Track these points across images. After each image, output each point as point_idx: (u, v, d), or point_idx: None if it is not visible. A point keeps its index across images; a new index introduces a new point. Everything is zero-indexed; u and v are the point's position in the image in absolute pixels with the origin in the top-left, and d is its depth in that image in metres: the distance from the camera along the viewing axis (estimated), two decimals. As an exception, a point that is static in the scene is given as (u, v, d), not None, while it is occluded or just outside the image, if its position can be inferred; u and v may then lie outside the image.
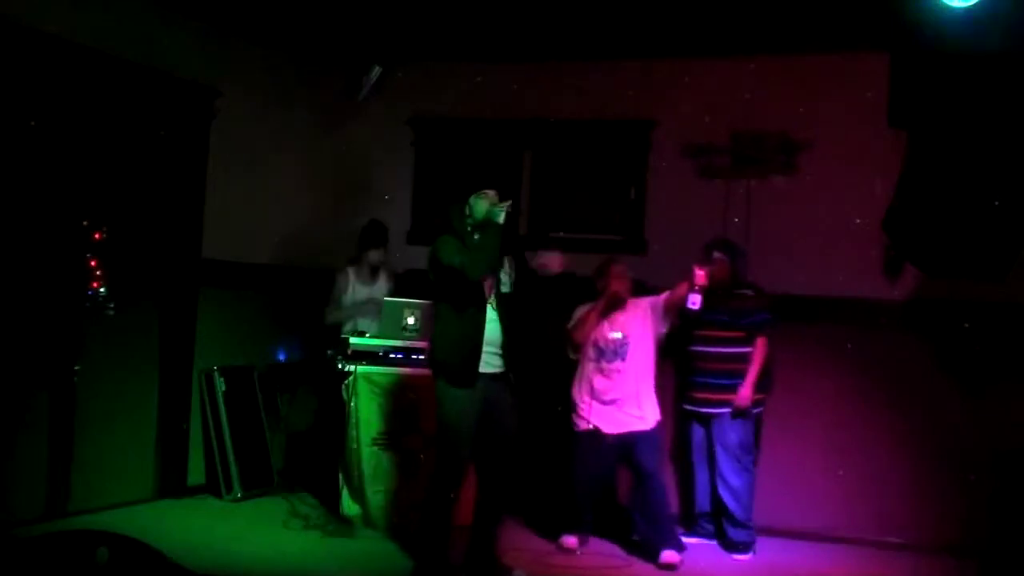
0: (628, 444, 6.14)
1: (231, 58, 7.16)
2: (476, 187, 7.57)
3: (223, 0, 6.63)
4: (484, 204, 5.38)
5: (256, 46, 7.32)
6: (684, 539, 6.49)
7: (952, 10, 4.76)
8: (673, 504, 6.42)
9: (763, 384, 6.43)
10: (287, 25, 7.01)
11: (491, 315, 5.37)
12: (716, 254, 6.40)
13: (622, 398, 6.16)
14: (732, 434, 6.35)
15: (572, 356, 6.37)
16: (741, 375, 6.34)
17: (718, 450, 6.38)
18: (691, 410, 6.53)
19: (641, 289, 6.43)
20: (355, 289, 7.04)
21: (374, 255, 7.06)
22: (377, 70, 6.88)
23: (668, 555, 5.95)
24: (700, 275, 5.95)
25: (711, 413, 6.39)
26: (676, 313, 6.18)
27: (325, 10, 6.62)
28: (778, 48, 6.85)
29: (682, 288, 6.02)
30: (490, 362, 5.35)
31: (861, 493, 6.72)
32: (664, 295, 6.21)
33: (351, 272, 7.08)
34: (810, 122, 6.85)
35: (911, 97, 5.16)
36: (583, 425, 6.22)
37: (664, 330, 6.27)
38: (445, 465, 5.37)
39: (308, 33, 7.15)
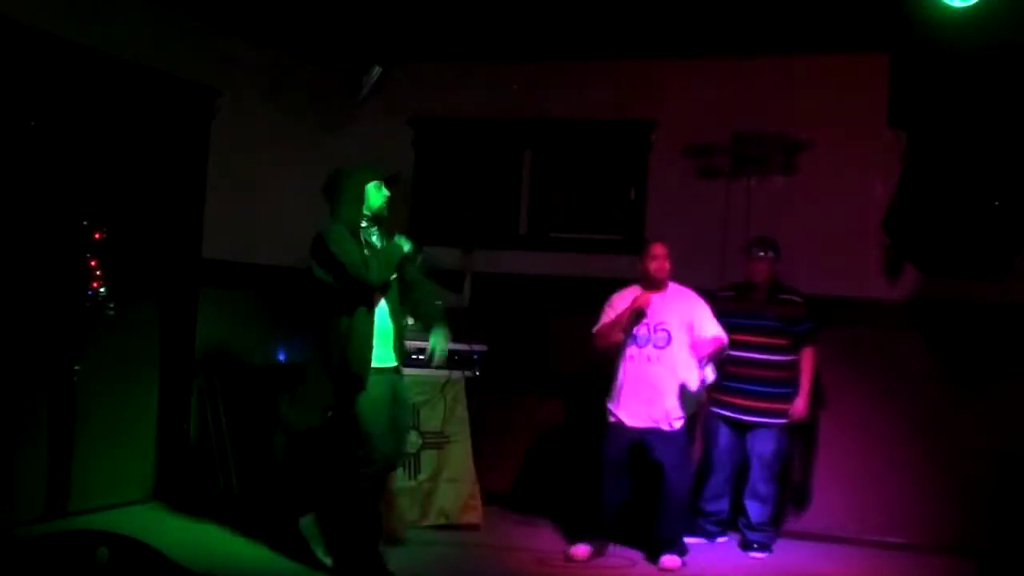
0: (649, 441, 5.93)
1: (231, 58, 7.16)
2: (476, 187, 7.62)
3: (223, 0, 6.63)
4: (380, 197, 5.26)
5: (256, 46, 7.31)
6: (685, 539, 6.49)
7: (952, 10, 4.76)
8: (687, 509, 6.19)
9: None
10: (287, 25, 7.01)
11: (381, 305, 5.26)
12: (760, 253, 6.37)
13: (652, 389, 5.92)
14: (770, 446, 6.31)
15: (602, 353, 6.14)
16: (783, 384, 6.30)
17: (753, 460, 6.35)
18: (726, 415, 6.41)
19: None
20: None
21: None
22: (377, 70, 6.88)
23: (669, 559, 5.89)
24: (703, 346, 5.89)
25: (751, 422, 6.33)
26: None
27: (325, 10, 6.62)
28: (778, 48, 6.85)
29: (705, 347, 5.93)
30: (384, 356, 5.25)
31: (861, 493, 6.72)
32: (707, 339, 5.96)
33: None
34: (810, 122, 6.86)
35: (911, 97, 5.15)
36: (612, 418, 6.02)
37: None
38: (366, 470, 5.22)
39: (308, 33, 7.15)
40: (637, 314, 5.99)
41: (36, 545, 4.06)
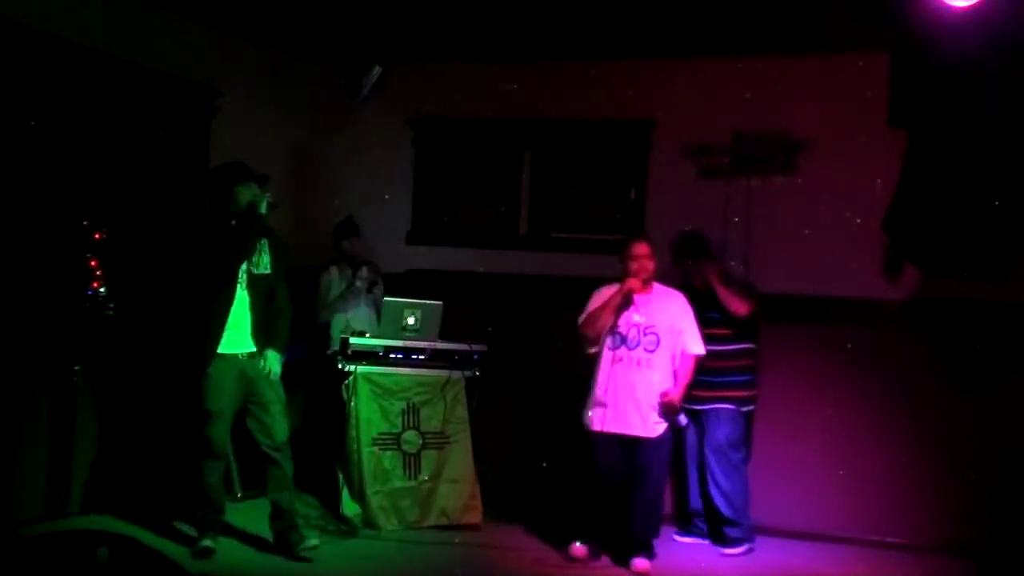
0: (635, 442, 5.85)
1: (231, 58, 7.16)
2: (476, 187, 7.63)
3: (223, 0, 6.63)
4: (248, 194, 5.61)
5: (256, 46, 7.32)
6: (679, 539, 6.47)
7: (952, 10, 4.76)
8: (663, 509, 6.15)
9: (753, 381, 6.43)
10: (287, 25, 7.02)
11: (241, 295, 5.61)
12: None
13: (641, 392, 5.82)
14: (720, 431, 6.32)
15: (588, 351, 5.99)
16: (732, 372, 6.32)
17: (707, 452, 6.35)
18: (684, 407, 6.47)
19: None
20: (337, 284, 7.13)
21: (346, 244, 7.18)
22: (377, 70, 6.88)
23: (640, 562, 5.79)
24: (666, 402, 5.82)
25: (701, 410, 6.36)
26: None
27: (325, 10, 6.62)
28: (778, 48, 6.85)
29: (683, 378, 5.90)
30: (242, 342, 5.62)
31: (861, 493, 6.72)
32: (685, 354, 5.92)
33: (333, 270, 7.15)
34: (810, 122, 6.86)
35: (911, 97, 5.15)
36: (596, 425, 5.89)
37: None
38: (200, 444, 5.62)
39: (308, 33, 7.15)
40: (627, 297, 5.91)
41: (36, 545, 4.06)
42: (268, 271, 5.73)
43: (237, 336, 5.62)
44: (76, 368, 6.14)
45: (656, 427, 5.86)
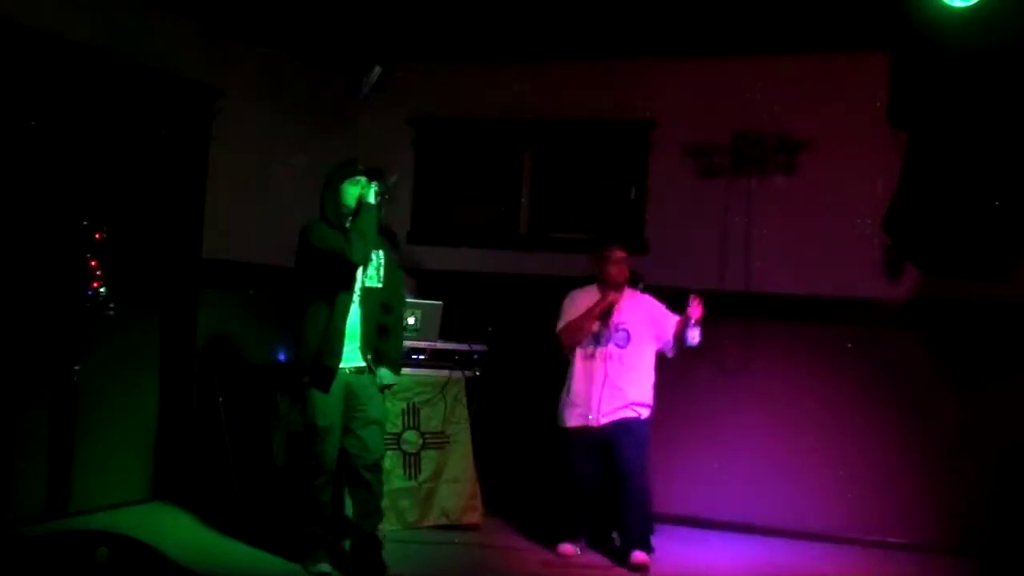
0: (613, 435, 5.93)
1: (231, 58, 7.15)
2: (476, 187, 7.63)
3: (223, 0, 6.63)
4: (356, 189, 5.44)
5: (256, 46, 7.31)
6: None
7: (952, 10, 4.76)
8: (651, 504, 6.10)
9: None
10: (287, 25, 7.01)
11: (353, 308, 5.43)
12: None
13: (614, 385, 5.95)
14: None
15: (566, 353, 6.15)
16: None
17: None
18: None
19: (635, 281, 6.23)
20: None
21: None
22: (377, 70, 6.88)
23: (638, 555, 5.82)
24: (696, 309, 5.77)
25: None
26: (679, 344, 5.99)
27: (325, 10, 6.63)
28: (778, 48, 6.85)
29: (681, 322, 5.90)
30: (351, 356, 5.43)
31: (862, 493, 6.72)
32: (676, 320, 5.96)
33: None
34: (810, 122, 6.86)
35: (911, 97, 5.16)
36: (570, 422, 6.04)
37: (669, 354, 6.06)
38: (309, 461, 5.46)
39: (308, 33, 7.15)
40: (610, 307, 6.04)
41: (36, 545, 4.06)
42: (380, 284, 5.52)
43: (349, 348, 5.43)
44: (76, 368, 6.14)
45: (639, 411, 5.95)
